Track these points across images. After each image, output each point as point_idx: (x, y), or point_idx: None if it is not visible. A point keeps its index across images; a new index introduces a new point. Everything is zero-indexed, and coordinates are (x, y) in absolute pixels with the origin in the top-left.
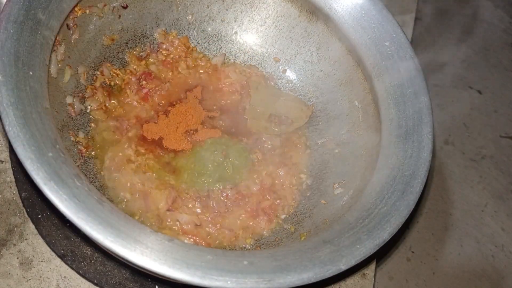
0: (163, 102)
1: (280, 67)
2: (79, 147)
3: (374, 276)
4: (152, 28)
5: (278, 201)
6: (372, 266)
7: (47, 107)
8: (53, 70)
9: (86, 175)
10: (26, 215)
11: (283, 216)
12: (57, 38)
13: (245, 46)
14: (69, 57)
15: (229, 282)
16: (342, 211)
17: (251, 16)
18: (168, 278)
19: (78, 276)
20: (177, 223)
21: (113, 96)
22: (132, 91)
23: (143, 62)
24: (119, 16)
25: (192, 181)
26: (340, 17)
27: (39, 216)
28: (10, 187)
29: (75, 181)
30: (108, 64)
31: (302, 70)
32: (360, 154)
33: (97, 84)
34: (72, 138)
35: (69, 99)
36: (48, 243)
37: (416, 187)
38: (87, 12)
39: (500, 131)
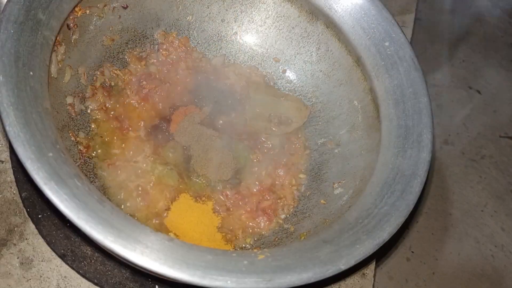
0: (163, 102)
1: (280, 67)
2: (80, 147)
3: (374, 276)
4: (152, 28)
5: (278, 201)
6: (372, 266)
7: (47, 107)
8: (53, 70)
9: (86, 175)
10: (26, 215)
11: (283, 216)
12: (57, 38)
13: (245, 46)
14: (69, 57)
15: (229, 282)
16: (342, 211)
17: (251, 16)
18: (168, 278)
19: (78, 276)
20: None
21: (113, 96)
22: (132, 92)
23: (143, 62)
24: (119, 16)
25: (192, 181)
26: (340, 17)
27: (39, 216)
28: (11, 187)
29: (75, 181)
30: (108, 64)
31: (301, 70)
32: (360, 154)
33: (97, 84)
34: (73, 138)
35: (69, 99)
36: (49, 243)
37: (415, 187)
38: (87, 13)
39: (500, 131)
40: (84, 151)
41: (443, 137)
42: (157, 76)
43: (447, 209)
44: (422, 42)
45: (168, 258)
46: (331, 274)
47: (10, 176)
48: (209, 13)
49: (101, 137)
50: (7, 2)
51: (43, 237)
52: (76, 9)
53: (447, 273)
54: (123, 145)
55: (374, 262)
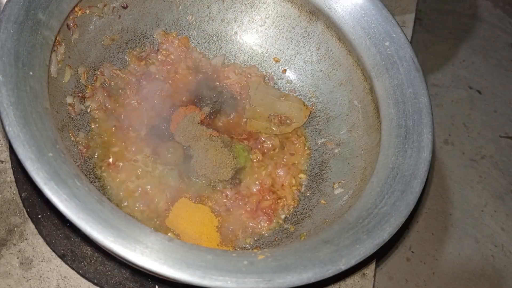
0: (163, 102)
1: (280, 67)
2: (79, 147)
3: (374, 276)
4: (152, 28)
5: (278, 201)
6: (372, 266)
7: (47, 107)
8: (53, 70)
9: (86, 175)
10: (26, 215)
11: (283, 216)
12: (57, 38)
13: (245, 46)
14: (69, 57)
15: (229, 282)
16: (342, 211)
17: (251, 16)
18: (168, 278)
19: (78, 276)
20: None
21: (113, 96)
22: (132, 92)
23: (143, 62)
24: (119, 16)
25: (192, 181)
26: (340, 17)
27: (39, 216)
28: (10, 187)
29: (75, 181)
30: (108, 64)
31: (302, 70)
32: (360, 154)
33: (97, 84)
34: (72, 138)
35: (69, 99)
36: (48, 243)
37: (416, 187)
38: (87, 12)
39: (500, 131)
40: (84, 151)
41: (443, 137)
42: (157, 76)
43: (447, 209)
44: (422, 42)
45: (168, 258)
46: (331, 274)
47: (10, 176)
48: (209, 13)
49: (101, 137)
50: (7, 2)
51: (43, 237)
52: (76, 9)
53: (447, 273)
54: (123, 145)
55: (374, 262)
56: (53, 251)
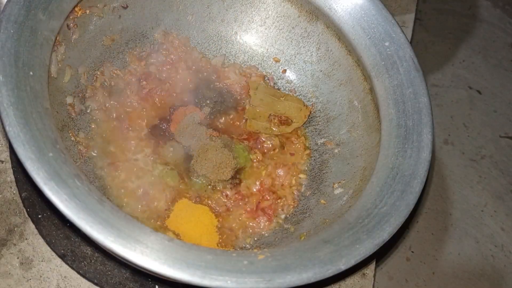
0: (163, 102)
1: (280, 67)
2: (80, 147)
3: (374, 276)
4: (152, 28)
5: (278, 201)
6: (372, 266)
7: (47, 107)
8: (53, 70)
9: (86, 175)
10: (26, 215)
11: (283, 216)
12: (57, 38)
13: (245, 46)
14: (69, 57)
15: (229, 282)
16: (342, 211)
17: (251, 16)
18: (168, 278)
19: (78, 276)
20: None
21: (113, 96)
22: (132, 92)
23: (143, 62)
24: (119, 16)
25: (192, 181)
26: (340, 17)
27: (39, 216)
28: (10, 187)
29: (75, 181)
30: (108, 64)
31: (301, 70)
32: (360, 154)
33: (98, 84)
34: (73, 138)
35: (69, 99)
36: (48, 243)
37: (415, 187)
38: (87, 12)
39: (500, 131)
40: (84, 151)
41: (443, 137)
42: (157, 76)
43: (447, 209)
44: (422, 42)
45: (168, 258)
46: (331, 274)
47: (10, 176)
48: (209, 13)
49: (101, 137)
50: (7, 2)
51: (43, 237)
52: (76, 9)
53: (447, 273)
54: (123, 145)
55: (374, 262)
56: (53, 251)
